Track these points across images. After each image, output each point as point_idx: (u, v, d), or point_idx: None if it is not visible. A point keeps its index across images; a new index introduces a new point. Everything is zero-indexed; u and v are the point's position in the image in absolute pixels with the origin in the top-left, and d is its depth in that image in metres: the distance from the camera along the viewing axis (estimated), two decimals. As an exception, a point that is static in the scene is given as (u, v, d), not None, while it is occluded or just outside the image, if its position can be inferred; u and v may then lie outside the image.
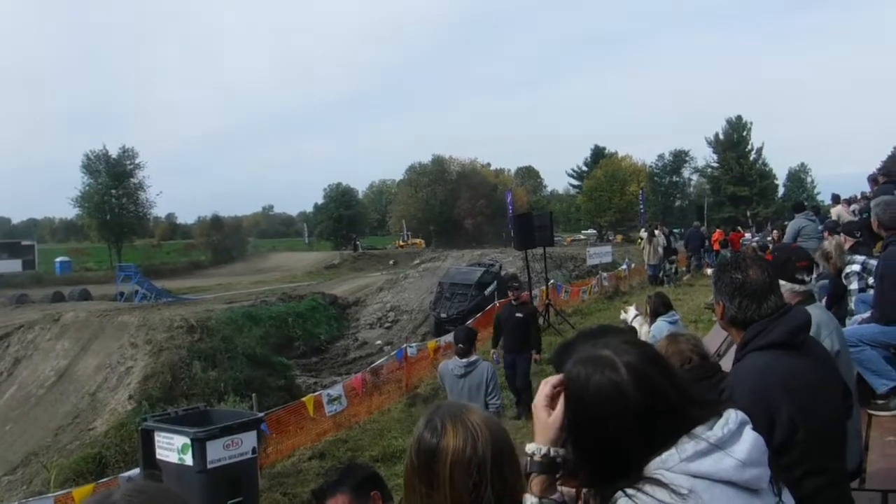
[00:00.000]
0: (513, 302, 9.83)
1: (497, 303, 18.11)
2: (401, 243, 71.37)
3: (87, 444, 11.84)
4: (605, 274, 23.10)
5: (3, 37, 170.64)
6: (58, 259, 58.41)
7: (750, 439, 1.37)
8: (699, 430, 1.35)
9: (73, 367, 15.46)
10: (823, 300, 5.23)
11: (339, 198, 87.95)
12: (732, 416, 1.39)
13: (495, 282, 24.48)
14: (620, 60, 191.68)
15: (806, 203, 15.84)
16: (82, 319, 17.57)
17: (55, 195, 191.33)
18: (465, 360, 6.42)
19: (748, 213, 60.46)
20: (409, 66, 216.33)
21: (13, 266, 52.14)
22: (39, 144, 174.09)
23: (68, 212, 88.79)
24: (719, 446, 1.33)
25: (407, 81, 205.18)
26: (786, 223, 15.63)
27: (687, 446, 1.32)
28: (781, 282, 2.91)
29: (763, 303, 2.32)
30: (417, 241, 71.34)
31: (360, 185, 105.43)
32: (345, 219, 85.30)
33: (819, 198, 62.96)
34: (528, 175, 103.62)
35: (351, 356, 23.99)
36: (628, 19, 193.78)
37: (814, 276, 3.45)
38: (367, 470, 3.05)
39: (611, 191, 73.84)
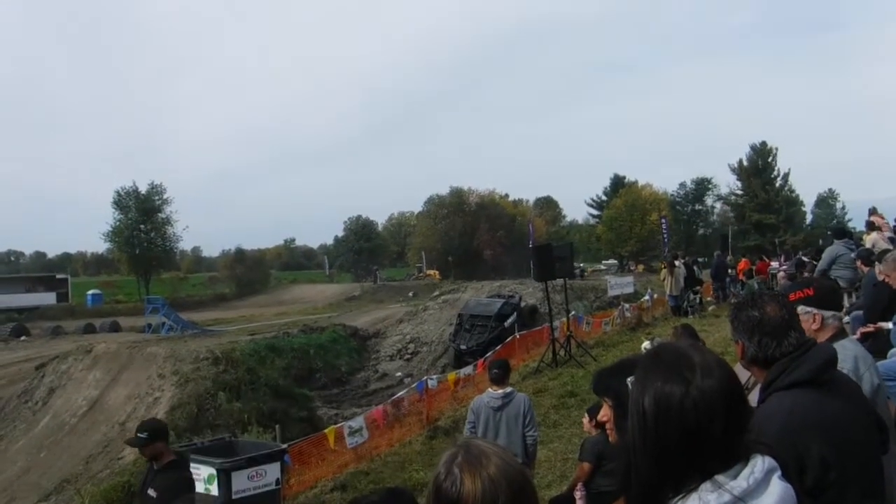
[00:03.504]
0: (153, 466, 5.08)
1: (517, 335, 18.13)
2: (425, 274, 71.83)
3: (116, 473, 12.04)
4: (627, 305, 22.94)
5: (40, 77, 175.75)
6: (90, 292, 60.00)
7: (777, 491, 1.31)
8: (722, 478, 1.30)
9: (104, 397, 15.79)
10: (857, 332, 5.11)
11: (359, 230, 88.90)
12: (759, 464, 1.33)
13: (515, 313, 24.51)
14: (639, 87, 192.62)
15: (849, 230, 15.16)
16: (113, 351, 17.97)
17: (88, 230, 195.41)
18: (500, 391, 6.36)
19: (776, 241, 59.64)
20: (427, 98, 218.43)
21: (48, 299, 53.79)
22: (73, 182, 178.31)
23: (100, 246, 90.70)
24: (743, 499, 1.27)
25: (425, 113, 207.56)
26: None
27: (709, 497, 1.28)
28: (831, 312, 2.93)
29: (784, 340, 2.27)
30: (431, 272, 71.34)
31: (380, 218, 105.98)
32: (365, 251, 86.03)
33: (851, 224, 62.13)
34: (547, 205, 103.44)
35: (371, 388, 24.09)
36: (647, 45, 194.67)
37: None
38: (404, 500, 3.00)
39: (631, 220, 73.20)
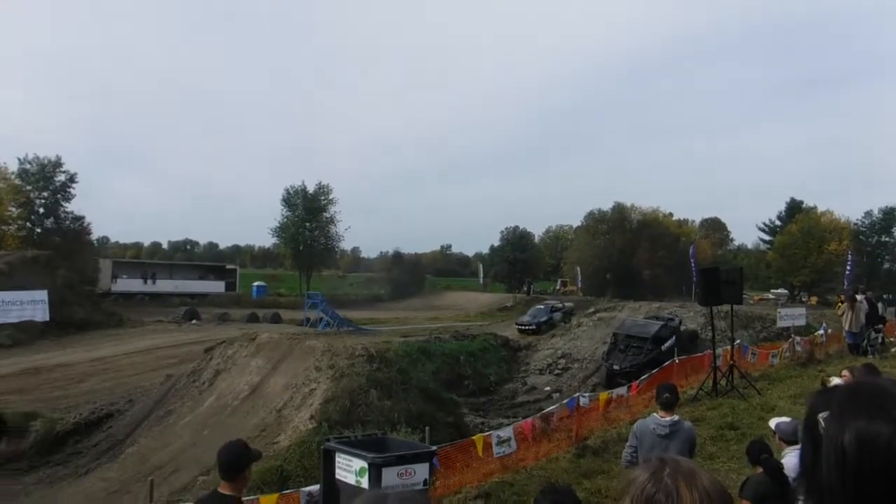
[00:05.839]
0: None
1: (676, 359, 17.27)
2: (569, 288, 71.32)
3: (270, 457, 12.67)
4: (798, 338, 21.22)
5: (220, 82, 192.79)
6: (255, 283, 64.65)
7: None
8: None
9: (264, 384, 16.73)
10: None
11: (516, 241, 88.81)
12: None
13: (674, 337, 23.41)
14: (825, 106, 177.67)
15: None
16: (275, 341, 19.05)
17: (257, 225, 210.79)
18: (668, 418, 6.14)
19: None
20: (595, 112, 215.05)
21: (218, 287, 58.64)
22: (245, 179, 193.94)
23: (267, 241, 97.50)
24: None
25: (591, 127, 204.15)
26: None
27: None
28: None
29: None
30: (572, 288, 71.26)
31: (537, 230, 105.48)
32: (519, 262, 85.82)
33: None
34: (714, 227, 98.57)
35: (519, 400, 23.94)
36: (839, 61, 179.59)
37: None
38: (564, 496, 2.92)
39: (806, 248, 67.93)
